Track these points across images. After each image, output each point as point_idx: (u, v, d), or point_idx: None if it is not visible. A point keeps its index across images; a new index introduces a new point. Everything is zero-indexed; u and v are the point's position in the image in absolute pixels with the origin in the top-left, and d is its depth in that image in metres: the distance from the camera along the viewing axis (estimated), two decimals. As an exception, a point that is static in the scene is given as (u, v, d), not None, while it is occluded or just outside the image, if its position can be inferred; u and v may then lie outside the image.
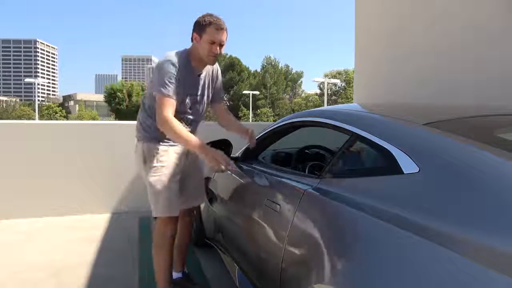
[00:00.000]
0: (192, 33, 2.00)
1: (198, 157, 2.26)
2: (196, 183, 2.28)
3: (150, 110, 2.05)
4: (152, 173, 2.03)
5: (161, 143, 2.05)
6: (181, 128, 1.91)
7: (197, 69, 2.06)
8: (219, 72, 2.24)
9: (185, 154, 2.15)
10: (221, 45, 1.98)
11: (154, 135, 2.05)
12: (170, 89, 1.90)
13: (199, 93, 2.11)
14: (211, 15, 1.97)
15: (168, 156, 2.05)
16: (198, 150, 1.90)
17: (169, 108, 1.90)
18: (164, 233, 2.06)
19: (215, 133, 2.28)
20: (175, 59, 1.94)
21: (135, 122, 2.18)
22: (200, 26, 1.95)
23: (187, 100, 2.06)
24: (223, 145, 2.20)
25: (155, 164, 2.03)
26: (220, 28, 1.94)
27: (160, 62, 1.96)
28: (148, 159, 2.05)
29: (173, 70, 1.92)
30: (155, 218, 2.08)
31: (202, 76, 2.11)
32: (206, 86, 2.15)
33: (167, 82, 1.90)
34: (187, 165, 2.17)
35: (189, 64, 2.01)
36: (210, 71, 2.16)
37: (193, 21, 1.98)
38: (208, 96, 2.18)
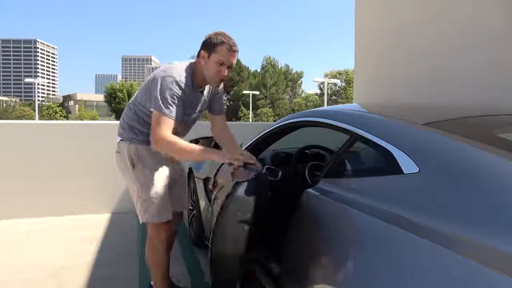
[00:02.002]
0: (200, 50, 1.86)
1: (181, 162, 2.23)
2: (180, 188, 2.23)
3: (144, 121, 1.95)
4: (141, 178, 1.94)
5: (151, 147, 1.92)
6: (181, 141, 1.77)
7: (200, 86, 1.95)
8: (221, 84, 2.08)
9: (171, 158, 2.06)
10: (229, 68, 1.85)
11: (143, 138, 1.97)
12: (173, 110, 1.76)
13: (197, 110, 2.02)
14: (224, 34, 1.83)
15: (157, 161, 1.97)
16: (208, 156, 1.80)
17: (168, 129, 1.75)
18: (158, 238, 2.01)
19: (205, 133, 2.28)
20: (181, 77, 1.79)
21: None
22: (210, 44, 1.81)
23: (185, 118, 1.96)
24: (210, 143, 2.22)
25: (144, 169, 1.94)
26: (232, 49, 1.81)
27: (163, 76, 1.79)
28: (136, 162, 1.95)
29: (177, 90, 1.77)
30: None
31: (205, 93, 2.00)
32: (206, 102, 2.06)
33: (170, 102, 1.75)
34: (174, 169, 2.10)
35: (192, 82, 1.89)
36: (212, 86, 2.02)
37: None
38: (204, 110, 2.09)
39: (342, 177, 1.48)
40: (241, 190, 1.48)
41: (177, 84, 1.78)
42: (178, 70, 1.82)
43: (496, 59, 2.85)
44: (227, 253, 1.61)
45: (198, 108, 2.01)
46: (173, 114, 1.76)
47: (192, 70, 1.88)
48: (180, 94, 1.78)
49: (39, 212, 3.93)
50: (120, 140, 2.03)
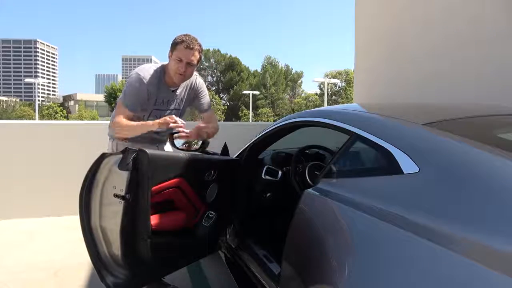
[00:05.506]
0: (169, 51, 2.06)
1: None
2: None
3: None
4: None
5: (132, 143, 2.07)
6: (130, 122, 2.01)
7: (172, 85, 2.13)
8: (199, 84, 2.25)
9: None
10: (189, 64, 2.01)
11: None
12: (131, 103, 2.02)
13: (172, 107, 2.17)
14: (187, 35, 2.02)
15: None
16: (154, 126, 1.99)
17: (122, 116, 2.01)
18: None
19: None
20: (146, 75, 2.02)
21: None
22: (173, 44, 2.02)
23: (156, 113, 2.12)
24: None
25: None
26: (189, 47, 1.98)
27: (131, 75, 2.05)
28: None
29: (139, 85, 2.01)
30: None
31: (178, 91, 2.17)
32: (184, 101, 2.22)
33: (130, 95, 2.02)
34: None
35: (161, 80, 2.09)
36: (188, 85, 2.20)
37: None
38: (184, 110, 2.25)
39: (342, 177, 1.48)
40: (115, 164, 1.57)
41: (140, 81, 2.02)
42: (146, 70, 2.06)
43: (497, 60, 2.85)
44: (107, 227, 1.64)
45: (173, 106, 2.18)
46: (130, 106, 2.02)
47: (163, 70, 2.10)
48: (141, 89, 2.02)
49: (39, 212, 3.92)
50: (109, 139, 2.29)
